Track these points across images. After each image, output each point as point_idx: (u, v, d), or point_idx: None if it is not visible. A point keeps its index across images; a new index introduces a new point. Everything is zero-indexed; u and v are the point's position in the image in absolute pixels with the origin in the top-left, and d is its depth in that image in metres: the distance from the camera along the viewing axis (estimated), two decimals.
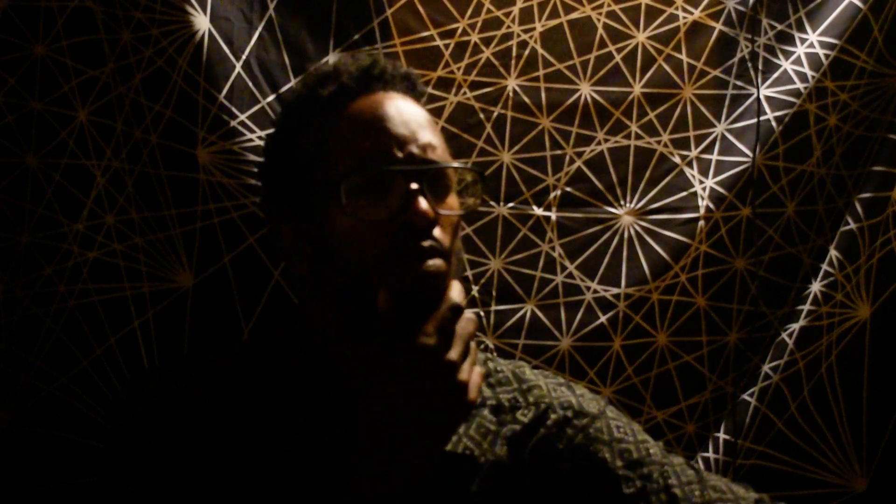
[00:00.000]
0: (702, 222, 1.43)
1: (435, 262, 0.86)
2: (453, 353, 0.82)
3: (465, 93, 1.43)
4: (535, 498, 0.93)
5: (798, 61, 1.43)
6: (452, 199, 0.91)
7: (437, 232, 0.87)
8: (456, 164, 0.93)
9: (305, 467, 0.86)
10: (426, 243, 0.86)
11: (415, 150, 0.89)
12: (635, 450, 0.95)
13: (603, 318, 1.42)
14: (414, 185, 0.86)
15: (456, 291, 0.84)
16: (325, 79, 0.94)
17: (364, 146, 0.89)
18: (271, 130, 0.99)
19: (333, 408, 0.89)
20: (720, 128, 1.45)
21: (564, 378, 1.04)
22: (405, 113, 0.91)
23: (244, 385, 0.90)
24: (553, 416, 0.96)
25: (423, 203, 0.85)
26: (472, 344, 0.85)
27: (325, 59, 1.39)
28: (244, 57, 1.34)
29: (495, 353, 1.38)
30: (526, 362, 1.06)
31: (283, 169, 0.94)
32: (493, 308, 1.41)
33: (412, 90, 0.95)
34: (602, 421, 0.96)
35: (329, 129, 0.91)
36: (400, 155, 0.88)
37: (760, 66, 1.44)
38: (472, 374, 0.83)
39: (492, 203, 1.42)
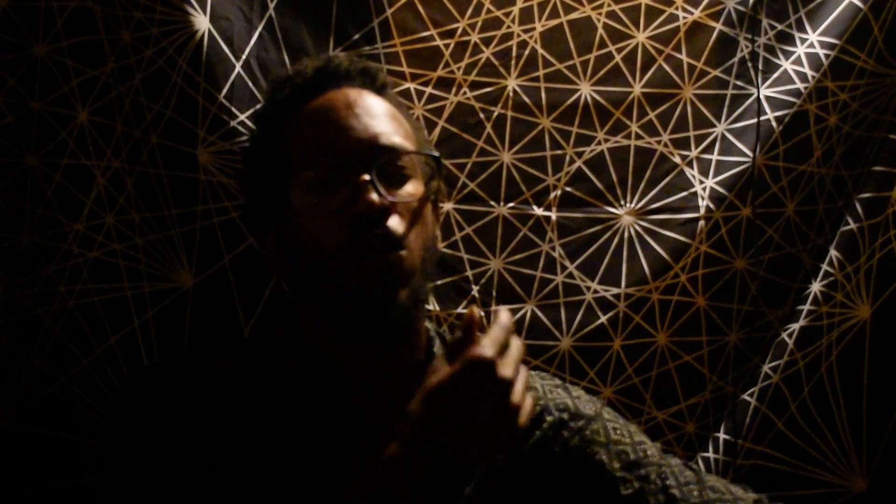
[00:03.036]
0: (702, 222, 1.43)
1: (389, 257, 0.86)
2: (509, 371, 0.78)
3: (465, 93, 1.43)
4: (531, 501, 0.93)
5: (798, 61, 1.43)
6: (412, 187, 0.90)
7: (393, 221, 0.87)
8: (409, 152, 0.91)
9: (305, 467, 0.86)
10: (378, 231, 0.86)
11: (363, 140, 0.89)
12: (632, 451, 0.95)
13: (603, 318, 1.42)
14: (365, 176, 0.86)
15: (504, 314, 0.81)
16: (282, 83, 0.95)
17: (314, 142, 0.89)
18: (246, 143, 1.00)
19: (332, 407, 0.89)
20: (720, 128, 1.45)
21: (562, 379, 1.04)
22: (356, 105, 0.91)
23: (244, 384, 0.90)
24: (549, 419, 0.96)
25: (370, 193, 0.85)
26: (524, 369, 0.81)
27: None
28: (244, 57, 1.34)
29: None
30: (524, 364, 1.06)
31: (255, 178, 0.95)
32: (494, 308, 1.41)
33: (371, 84, 0.95)
34: (598, 423, 0.96)
35: (286, 131, 0.92)
36: (349, 146, 0.88)
37: (760, 66, 1.44)
38: (525, 398, 0.80)
39: (492, 203, 1.42)
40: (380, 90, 0.95)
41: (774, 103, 1.43)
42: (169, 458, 0.85)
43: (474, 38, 1.44)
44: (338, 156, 0.88)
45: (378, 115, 0.92)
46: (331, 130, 0.89)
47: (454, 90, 1.42)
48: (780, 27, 1.45)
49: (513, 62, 1.44)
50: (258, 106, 1.15)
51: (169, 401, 0.88)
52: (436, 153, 0.96)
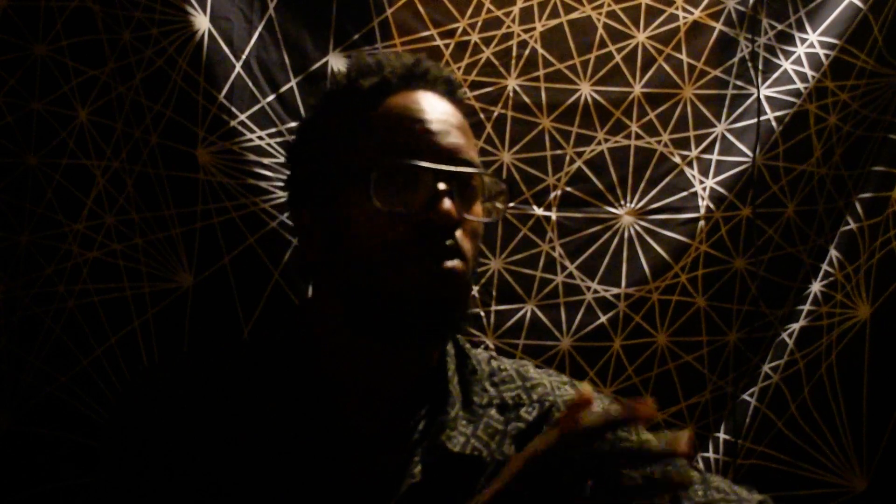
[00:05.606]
0: (702, 222, 1.43)
1: (454, 263, 0.86)
2: None
3: (465, 92, 1.42)
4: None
5: (798, 61, 1.43)
6: (478, 208, 0.92)
7: (458, 235, 0.87)
8: (487, 172, 0.93)
9: (297, 472, 0.86)
10: (448, 242, 0.86)
11: (447, 150, 0.89)
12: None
13: (603, 318, 1.42)
14: (442, 185, 0.86)
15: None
16: (367, 71, 0.94)
17: (397, 138, 0.89)
18: (308, 114, 0.98)
19: (329, 411, 0.89)
20: (720, 128, 1.45)
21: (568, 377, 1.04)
22: (442, 113, 0.92)
23: (242, 386, 0.90)
24: (556, 414, 0.96)
25: (448, 203, 0.86)
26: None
27: (324, 59, 1.39)
28: (244, 57, 1.34)
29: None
30: (529, 361, 1.06)
31: (312, 153, 0.94)
32: (493, 308, 1.41)
33: (452, 94, 0.95)
34: None
35: (364, 119, 0.91)
36: (432, 153, 0.88)
37: (760, 66, 1.44)
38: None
39: None
40: (457, 103, 0.96)
41: (774, 103, 1.43)
42: (167, 457, 0.86)
43: (474, 38, 1.44)
44: (420, 156, 0.88)
45: (461, 128, 0.92)
46: (417, 129, 0.89)
47: None
48: (780, 27, 1.45)
49: (513, 62, 1.44)
50: (324, 86, 1.10)
51: (168, 399, 0.88)
52: (508, 182, 0.96)
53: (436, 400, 0.92)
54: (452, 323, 0.89)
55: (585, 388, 0.74)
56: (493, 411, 0.95)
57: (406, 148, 0.88)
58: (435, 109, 0.91)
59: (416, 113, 0.90)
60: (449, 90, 0.95)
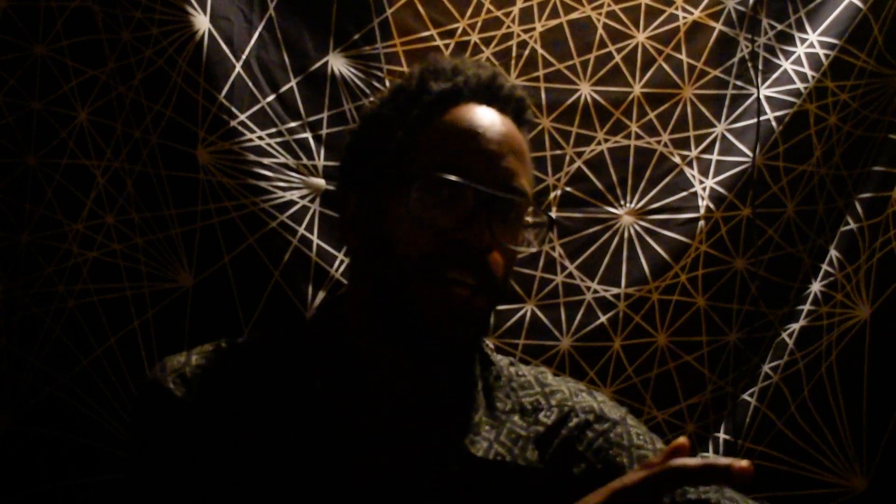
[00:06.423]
0: (702, 222, 1.43)
1: (471, 301, 0.86)
2: None
3: (534, 115, 1.42)
4: (552, 499, 0.93)
5: (798, 61, 1.43)
6: (517, 234, 0.92)
7: (491, 258, 0.87)
8: (532, 203, 0.93)
9: (317, 466, 0.87)
10: (480, 272, 0.86)
11: (498, 173, 0.88)
12: (653, 456, 0.95)
13: (603, 318, 1.42)
14: (482, 208, 0.86)
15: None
16: (440, 74, 0.93)
17: (450, 151, 0.88)
18: (376, 103, 0.97)
19: (348, 403, 0.90)
20: (720, 128, 1.45)
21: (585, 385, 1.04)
22: (503, 134, 0.90)
23: (260, 381, 0.91)
24: (575, 420, 0.96)
25: (482, 226, 0.85)
26: None
27: (324, 59, 1.39)
28: (244, 57, 1.34)
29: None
30: (526, 363, 1.06)
31: (368, 144, 0.94)
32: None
33: (519, 117, 0.94)
34: (622, 427, 0.96)
35: (426, 123, 0.90)
36: (482, 173, 0.87)
37: (760, 66, 1.44)
38: None
39: None
40: (523, 127, 0.95)
41: (774, 103, 1.43)
42: (191, 444, 0.86)
43: (474, 38, 1.44)
44: (469, 174, 0.87)
45: (519, 155, 0.91)
46: (473, 147, 0.88)
47: None
48: (780, 27, 1.45)
49: (513, 62, 1.44)
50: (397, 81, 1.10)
51: (184, 402, 0.89)
52: (553, 215, 0.95)
53: (461, 405, 0.93)
54: (454, 343, 0.89)
55: (683, 438, 0.72)
56: (516, 417, 0.95)
57: (457, 163, 0.87)
58: (497, 130, 0.90)
59: (476, 129, 0.89)
60: (518, 112, 0.94)
